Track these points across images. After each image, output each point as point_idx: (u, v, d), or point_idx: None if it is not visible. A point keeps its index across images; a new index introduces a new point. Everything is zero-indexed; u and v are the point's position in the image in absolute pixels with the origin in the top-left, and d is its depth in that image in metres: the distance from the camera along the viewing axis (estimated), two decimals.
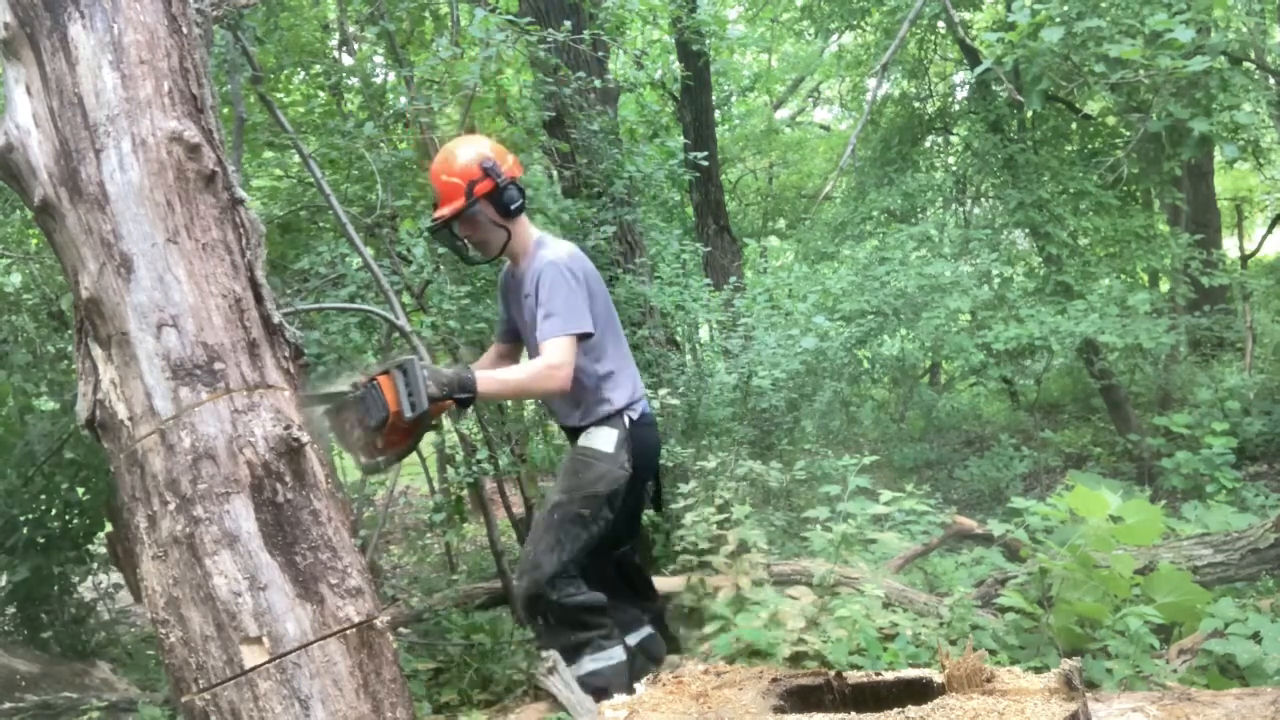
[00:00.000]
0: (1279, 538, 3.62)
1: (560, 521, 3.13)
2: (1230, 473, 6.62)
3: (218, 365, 2.06)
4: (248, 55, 3.57)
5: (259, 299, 2.20)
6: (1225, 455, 6.69)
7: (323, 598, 2.04)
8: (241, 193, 2.24)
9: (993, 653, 3.29)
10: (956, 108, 11.04)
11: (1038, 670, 2.46)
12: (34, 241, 4.91)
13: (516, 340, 3.42)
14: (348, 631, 2.05)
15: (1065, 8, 5.04)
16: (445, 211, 3.10)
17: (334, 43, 5.65)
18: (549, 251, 3.12)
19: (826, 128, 16.53)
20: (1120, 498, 3.61)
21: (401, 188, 4.35)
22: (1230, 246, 13.81)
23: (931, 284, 7.75)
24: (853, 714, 1.77)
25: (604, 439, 3.19)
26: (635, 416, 3.24)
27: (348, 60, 5.54)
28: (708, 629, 3.52)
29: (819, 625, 3.36)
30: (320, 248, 4.35)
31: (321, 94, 5.52)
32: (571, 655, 3.10)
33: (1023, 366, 9.13)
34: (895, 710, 1.73)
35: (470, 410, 3.43)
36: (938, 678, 1.86)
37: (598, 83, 5.15)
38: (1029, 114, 8.83)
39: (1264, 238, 15.20)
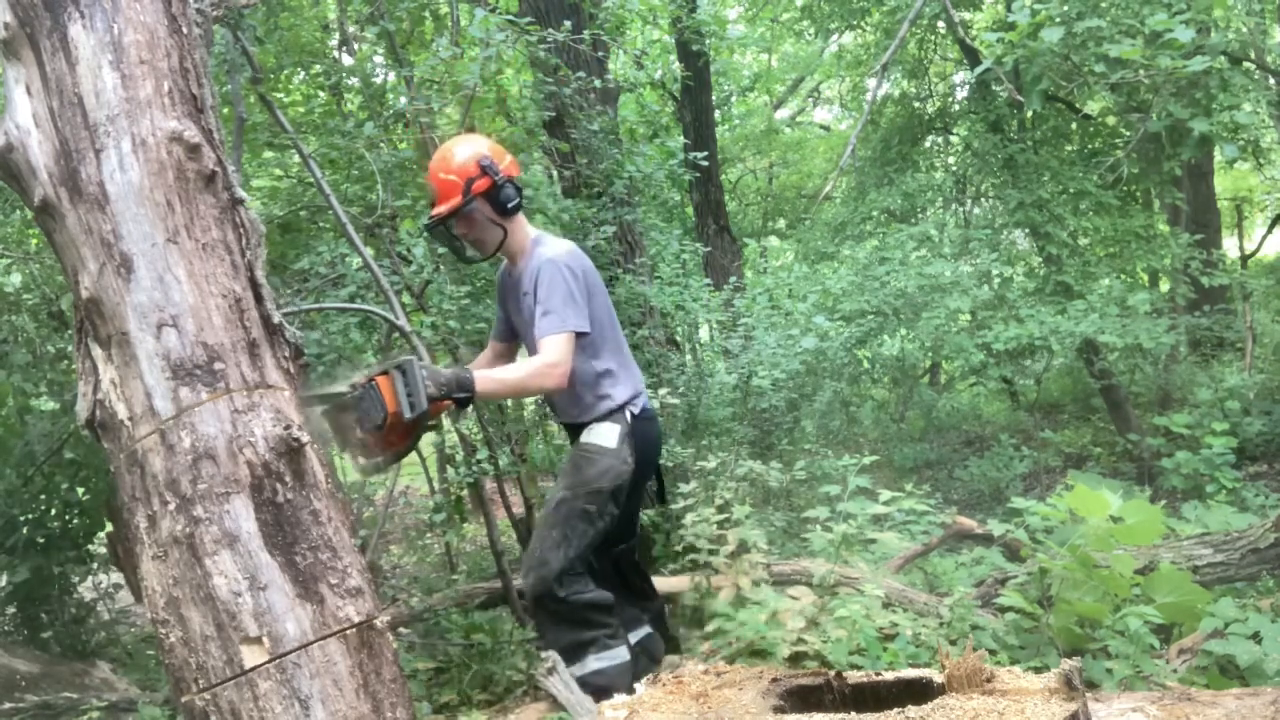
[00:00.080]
0: (1279, 538, 3.62)
1: (566, 518, 3.13)
2: (1230, 473, 6.62)
3: (218, 365, 2.06)
4: (248, 55, 3.57)
5: (259, 299, 2.20)
6: (1225, 455, 6.69)
7: (323, 598, 2.04)
8: (241, 193, 2.24)
9: (993, 653, 3.29)
10: (956, 108, 11.04)
11: (1038, 670, 2.46)
12: (34, 241, 4.91)
13: (513, 339, 3.43)
14: (348, 631, 2.05)
15: (1065, 8, 5.04)
16: (443, 209, 3.11)
17: (334, 43, 5.65)
18: (547, 249, 3.13)
19: (826, 128, 16.54)
20: (1120, 498, 3.61)
21: (401, 188, 4.35)
22: (1230, 246, 13.81)
23: (931, 284, 7.75)
24: (853, 714, 1.77)
25: (607, 434, 3.19)
26: (636, 411, 3.25)
27: (348, 60, 5.54)
28: (709, 628, 3.52)
29: (819, 625, 3.37)
30: (320, 248, 4.35)
31: (321, 94, 5.52)
32: (576, 654, 3.09)
33: (1023, 366, 9.13)
34: (895, 710, 1.73)
35: (470, 410, 3.44)
36: (938, 678, 1.86)
37: (598, 83, 5.15)
38: (1029, 114, 8.84)
39: (1264, 238, 15.20)
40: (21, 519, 4.61)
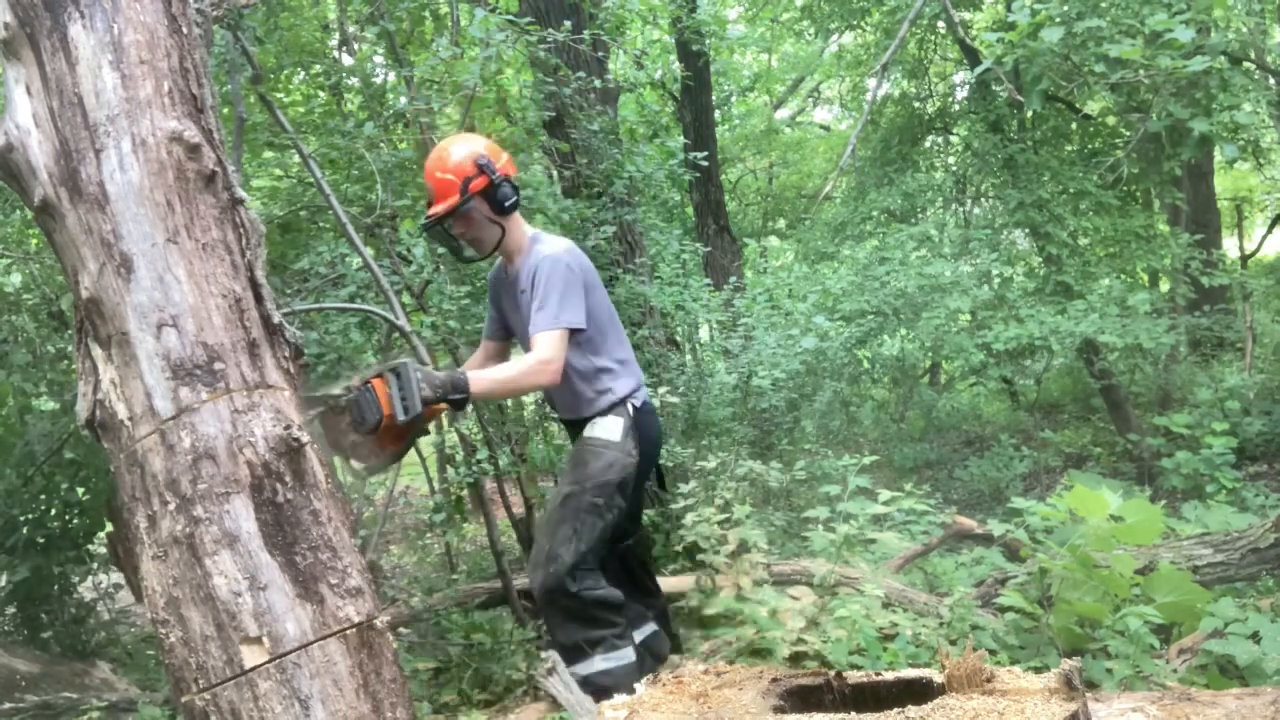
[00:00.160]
0: (1279, 538, 3.62)
1: (575, 512, 3.12)
2: (1230, 473, 6.62)
3: (218, 365, 2.06)
4: (248, 55, 3.57)
5: (259, 299, 2.20)
6: (1225, 455, 6.70)
7: (323, 598, 2.04)
8: (241, 193, 2.24)
9: (993, 653, 3.29)
10: (956, 108, 11.05)
11: (1038, 670, 2.46)
12: (34, 241, 4.91)
13: (507, 337, 3.44)
14: (348, 631, 2.05)
15: (1065, 8, 5.04)
16: (440, 208, 3.11)
17: (334, 43, 5.65)
18: (545, 247, 3.14)
19: (826, 128, 16.54)
20: (1120, 498, 3.61)
21: (401, 188, 4.35)
22: (1230, 246, 13.82)
23: (931, 284, 7.76)
24: (853, 714, 1.77)
25: (611, 428, 3.20)
26: (638, 404, 3.26)
27: (348, 60, 5.54)
28: (710, 628, 3.53)
29: (819, 625, 3.37)
30: (320, 248, 4.35)
31: (321, 94, 5.52)
32: (583, 652, 3.08)
33: (1023, 366, 9.14)
34: (895, 710, 1.73)
35: (470, 409, 3.44)
36: (938, 678, 1.85)
37: (598, 83, 5.15)
38: (1029, 114, 8.84)
39: (1264, 238, 15.21)
40: (21, 519, 4.61)
